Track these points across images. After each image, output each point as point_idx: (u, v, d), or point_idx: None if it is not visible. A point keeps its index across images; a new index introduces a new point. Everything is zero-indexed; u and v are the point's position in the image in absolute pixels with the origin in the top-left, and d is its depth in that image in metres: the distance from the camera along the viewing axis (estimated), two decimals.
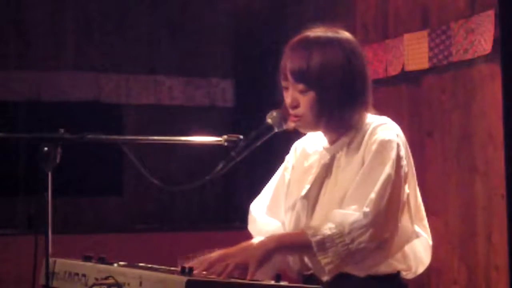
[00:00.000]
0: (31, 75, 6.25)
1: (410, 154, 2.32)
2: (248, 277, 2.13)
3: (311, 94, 2.28)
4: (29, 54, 6.29)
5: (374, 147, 2.24)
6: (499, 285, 4.13)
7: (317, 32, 2.33)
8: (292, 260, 2.36)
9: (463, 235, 4.38)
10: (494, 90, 4.16)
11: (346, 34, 2.35)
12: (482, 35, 4.20)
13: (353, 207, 2.19)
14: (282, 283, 2.03)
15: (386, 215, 2.19)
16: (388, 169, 2.21)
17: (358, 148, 2.29)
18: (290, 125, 2.35)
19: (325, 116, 2.28)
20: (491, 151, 4.20)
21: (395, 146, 2.24)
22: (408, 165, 2.30)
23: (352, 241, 2.15)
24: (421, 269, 2.38)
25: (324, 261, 2.17)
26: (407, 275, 2.36)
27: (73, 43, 6.42)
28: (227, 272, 2.12)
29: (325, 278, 2.21)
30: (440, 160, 4.50)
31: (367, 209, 2.17)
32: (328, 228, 2.17)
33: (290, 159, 2.53)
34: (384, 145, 2.24)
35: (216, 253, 2.27)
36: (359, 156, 2.27)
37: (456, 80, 4.46)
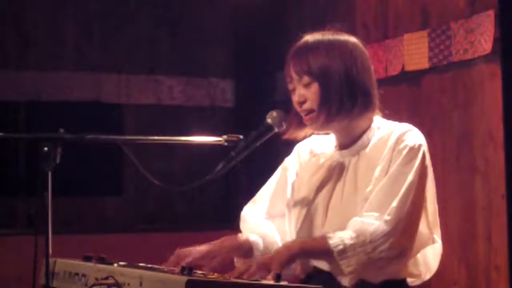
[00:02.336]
0: (31, 75, 6.25)
1: (429, 159, 2.33)
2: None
3: (315, 86, 2.30)
4: (29, 54, 6.29)
5: (403, 154, 2.26)
6: (499, 285, 4.13)
7: (315, 36, 2.36)
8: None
9: (463, 235, 4.38)
10: (494, 90, 4.16)
11: (345, 35, 2.37)
12: (482, 35, 4.20)
13: (375, 214, 2.21)
14: (282, 283, 2.03)
15: (406, 224, 2.21)
16: (412, 177, 2.24)
17: (380, 152, 2.30)
18: (304, 129, 2.37)
19: (326, 105, 2.29)
20: (491, 151, 4.19)
21: (421, 155, 2.27)
22: (429, 171, 2.32)
23: (374, 249, 2.18)
24: (428, 276, 2.39)
25: (347, 269, 2.19)
26: (415, 281, 2.36)
27: (73, 43, 6.42)
28: (250, 273, 2.12)
29: (345, 283, 2.22)
30: (440, 160, 4.50)
31: (388, 218, 2.19)
32: (349, 238, 2.19)
33: (292, 161, 2.53)
34: (412, 153, 2.27)
35: (203, 248, 2.30)
36: (383, 161, 2.28)
37: (456, 80, 4.46)
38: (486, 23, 4.17)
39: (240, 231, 2.55)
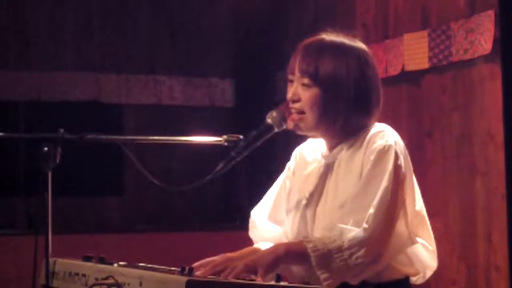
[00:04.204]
0: (31, 75, 6.26)
1: (409, 159, 2.29)
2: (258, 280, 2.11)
3: (314, 90, 2.27)
4: (29, 54, 6.29)
5: (372, 157, 2.22)
6: (499, 285, 4.13)
7: (332, 37, 2.32)
8: (295, 268, 2.35)
9: (463, 235, 4.38)
10: (494, 90, 4.16)
11: (361, 44, 2.34)
12: (482, 35, 4.20)
13: (352, 221, 2.18)
14: (282, 283, 2.03)
15: (383, 230, 2.18)
16: (386, 182, 2.19)
17: (356, 155, 2.27)
18: (289, 125, 2.34)
19: (319, 115, 2.27)
20: (491, 151, 4.19)
21: (393, 155, 2.22)
22: (407, 171, 2.27)
23: (350, 256, 2.15)
24: (429, 273, 2.36)
25: (322, 276, 2.16)
26: (418, 280, 2.35)
27: (73, 43, 6.43)
28: (236, 272, 2.11)
29: None
30: (440, 160, 4.50)
31: (366, 225, 2.16)
32: (327, 243, 2.17)
33: (291, 166, 2.52)
34: (382, 155, 2.22)
35: (220, 256, 2.28)
36: (357, 165, 2.25)
37: (456, 80, 4.46)
38: (486, 23, 4.17)
39: (247, 228, 2.54)
